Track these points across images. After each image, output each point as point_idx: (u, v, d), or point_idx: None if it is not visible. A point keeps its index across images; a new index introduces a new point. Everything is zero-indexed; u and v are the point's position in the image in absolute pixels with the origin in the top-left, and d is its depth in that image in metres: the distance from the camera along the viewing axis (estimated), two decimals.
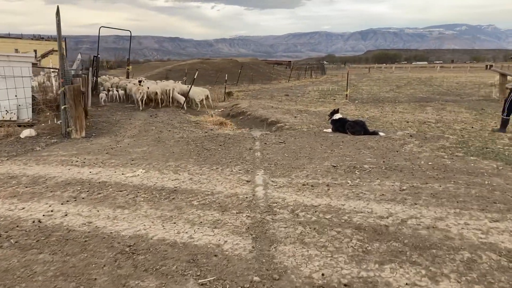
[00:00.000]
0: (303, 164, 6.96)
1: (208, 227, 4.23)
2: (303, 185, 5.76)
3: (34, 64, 26.32)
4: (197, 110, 17.80)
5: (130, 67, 26.04)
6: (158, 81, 21.41)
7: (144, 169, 6.62)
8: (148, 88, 17.19)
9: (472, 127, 11.53)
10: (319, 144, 8.78)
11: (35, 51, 71.17)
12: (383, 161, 7.18)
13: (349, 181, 5.93)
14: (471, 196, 5.27)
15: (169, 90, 17.57)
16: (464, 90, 26.28)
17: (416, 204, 4.96)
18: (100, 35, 22.26)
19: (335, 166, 6.79)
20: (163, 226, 4.28)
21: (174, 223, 4.36)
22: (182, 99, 17.53)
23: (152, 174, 6.37)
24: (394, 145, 8.67)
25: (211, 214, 4.61)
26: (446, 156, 7.59)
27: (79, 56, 17.79)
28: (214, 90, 24.35)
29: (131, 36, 24.19)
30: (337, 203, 5.02)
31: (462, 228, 4.21)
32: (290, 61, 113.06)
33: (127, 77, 23.36)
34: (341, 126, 10.34)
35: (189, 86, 18.64)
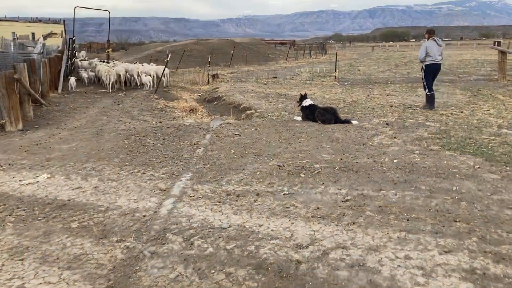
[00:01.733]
0: (245, 164, 5.88)
1: (60, 267, 3.20)
2: (228, 194, 4.70)
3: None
4: (170, 92, 16.70)
5: (110, 49, 24.87)
6: (127, 63, 20.21)
7: (50, 173, 5.58)
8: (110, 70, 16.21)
9: (462, 112, 10.36)
10: (278, 136, 7.69)
11: (33, 33, 70.19)
12: (341, 159, 6.08)
13: (285, 188, 4.86)
14: (429, 210, 4.17)
15: (134, 72, 16.58)
16: (465, 69, 24.86)
17: (354, 223, 3.88)
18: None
19: (280, 166, 5.71)
20: (1, 265, 3.25)
21: (21, 260, 3.32)
22: (148, 80, 16.48)
23: (55, 180, 5.33)
24: (363, 137, 7.55)
25: (80, 245, 3.57)
26: (417, 151, 6.46)
27: (41, 39, 16.65)
28: (200, 72, 23.18)
29: (109, 17, 22.95)
30: (255, 222, 3.95)
31: (399, 266, 3.14)
32: (294, 41, 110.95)
33: (108, 60, 22.21)
34: (311, 113, 9.21)
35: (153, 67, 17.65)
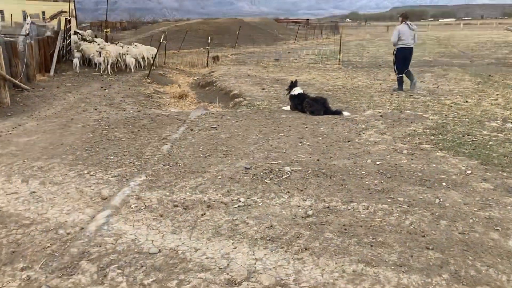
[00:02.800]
0: (209, 165, 5.28)
1: None
2: (175, 205, 4.11)
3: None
4: (165, 76, 16.08)
5: (109, 29, 24.19)
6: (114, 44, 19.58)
7: None
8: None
9: (467, 101, 9.58)
10: (258, 130, 7.05)
11: (43, 12, 69.83)
12: (318, 160, 5.44)
13: (242, 199, 4.25)
14: (401, 231, 3.54)
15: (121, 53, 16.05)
16: (479, 52, 23.73)
17: (306, 249, 3.28)
18: None
19: (247, 169, 5.10)
20: None
21: None
22: (131, 62, 15.92)
23: None
24: (351, 132, 6.88)
25: None
26: (406, 151, 5.78)
27: (28, 19, 16.07)
28: (201, 54, 22.47)
29: None
30: (191, 246, 3.37)
31: None
32: (308, 20, 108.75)
33: (106, 41, 21.58)
34: (300, 103, 8.54)
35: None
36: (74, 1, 73.97)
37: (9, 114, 8.95)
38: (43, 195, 4.43)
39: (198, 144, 6.20)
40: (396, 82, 11.41)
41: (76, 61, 16.89)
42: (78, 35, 24.68)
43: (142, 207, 4.08)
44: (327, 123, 7.43)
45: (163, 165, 5.32)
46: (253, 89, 11.49)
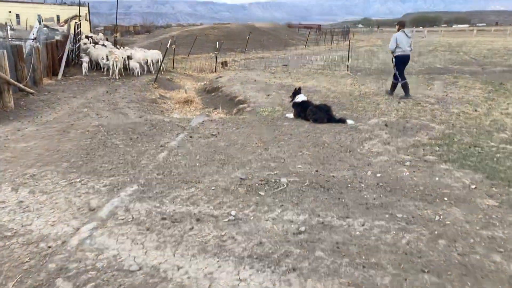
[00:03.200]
0: (204, 175, 5.14)
1: None
2: (163, 218, 3.97)
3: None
4: (173, 81, 16.02)
5: (118, 34, 24.22)
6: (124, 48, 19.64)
7: None
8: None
9: (476, 110, 9.32)
10: (259, 138, 6.89)
11: (58, 16, 70.54)
12: (316, 171, 5.26)
13: (234, 212, 4.09)
14: (396, 251, 3.36)
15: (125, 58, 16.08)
16: (491, 59, 23.32)
17: (294, 270, 3.11)
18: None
19: (243, 180, 4.94)
20: None
21: None
22: (135, 66, 15.90)
23: None
24: (353, 141, 6.68)
25: None
26: (408, 162, 5.58)
27: (36, 24, 16.12)
28: (210, 59, 22.39)
29: (117, 0, 22.32)
30: (174, 263, 3.22)
31: None
32: (320, 25, 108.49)
33: (115, 45, 21.63)
34: (303, 111, 8.37)
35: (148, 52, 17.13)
36: (88, 6, 74.82)
37: (11, 118, 8.90)
38: (30, 205, 4.32)
39: (195, 152, 6.06)
40: (403, 90, 11.32)
41: (85, 64, 16.93)
42: (90, 38, 24.88)
43: (129, 220, 3.94)
44: (330, 132, 7.24)
45: (157, 174, 5.18)
46: (258, 95, 11.34)
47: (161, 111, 10.40)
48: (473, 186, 4.72)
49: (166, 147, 6.32)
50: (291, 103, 8.71)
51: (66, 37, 18.70)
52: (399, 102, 10.39)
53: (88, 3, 75.51)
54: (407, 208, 4.15)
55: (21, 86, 10.69)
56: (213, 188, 4.71)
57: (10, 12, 63.00)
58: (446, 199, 4.37)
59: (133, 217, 3.99)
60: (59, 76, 15.72)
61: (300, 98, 8.50)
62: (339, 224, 3.83)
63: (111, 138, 6.83)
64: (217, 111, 10.64)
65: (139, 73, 16.23)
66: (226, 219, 3.94)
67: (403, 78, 11.27)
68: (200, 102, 12.26)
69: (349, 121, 7.97)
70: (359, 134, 7.13)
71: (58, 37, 18.54)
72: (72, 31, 18.71)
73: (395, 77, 11.45)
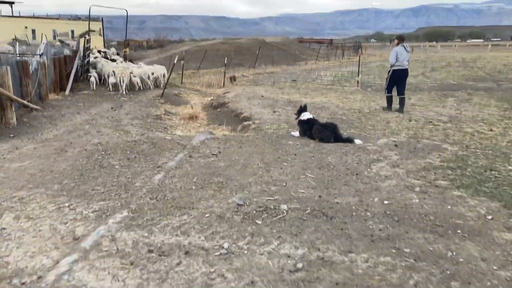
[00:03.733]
0: (199, 200, 4.84)
1: None
2: (150, 251, 3.67)
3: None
4: (180, 96, 15.84)
5: (127, 49, 24.26)
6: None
7: None
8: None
9: (491, 130, 8.94)
10: (261, 158, 6.59)
11: (72, 31, 71.64)
12: (320, 196, 4.93)
13: (226, 244, 3.78)
14: None
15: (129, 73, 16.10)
16: (507, 74, 22.87)
17: None
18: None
19: (240, 205, 4.63)
20: None
21: None
22: (136, 81, 16.05)
23: None
24: (360, 163, 6.34)
25: None
26: (418, 188, 5.22)
27: (44, 40, 16.11)
28: (219, 74, 22.23)
29: (127, 15, 22.32)
30: None
31: None
32: (331, 40, 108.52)
33: (124, 60, 21.60)
34: (309, 129, 8.06)
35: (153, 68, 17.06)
36: (102, 21, 75.87)
37: (11, 135, 8.72)
38: (12, 233, 4.05)
39: (193, 174, 5.77)
40: (387, 102, 11.73)
41: (93, 79, 16.92)
42: (102, 53, 25.04)
43: (113, 251, 3.64)
44: (336, 152, 6.92)
45: (150, 198, 4.89)
46: (264, 111, 11.07)
47: (165, 127, 10.17)
48: (489, 217, 4.34)
49: (163, 168, 6.05)
50: (297, 121, 8.41)
51: (75, 52, 18.69)
52: (410, 120, 10.04)
53: (102, 18, 76.61)
54: (416, 241, 3.79)
55: (25, 102, 10.56)
56: (207, 215, 4.40)
57: (26, 27, 64.08)
58: (459, 231, 4.01)
59: (118, 249, 3.69)
60: (67, 92, 15.67)
61: (305, 115, 8.21)
62: (341, 260, 3.49)
63: (108, 158, 6.58)
64: (222, 128, 10.39)
65: (141, 88, 16.20)
66: (218, 253, 3.62)
67: (390, 91, 11.59)
68: (205, 118, 12.02)
69: (357, 141, 7.63)
70: (367, 155, 6.79)
71: (68, 52, 18.58)
72: (81, 46, 18.70)
73: (388, 90, 11.69)
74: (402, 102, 11.44)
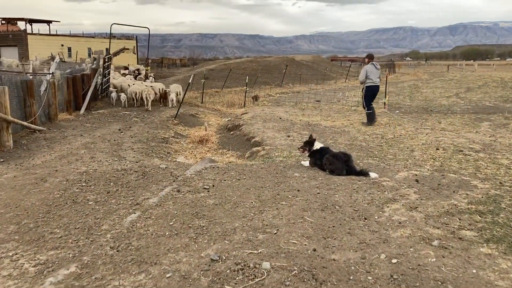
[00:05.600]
0: (167, 251, 4.05)
1: None
2: None
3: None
4: (197, 116, 15.24)
5: (149, 68, 24.00)
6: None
7: None
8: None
9: None
10: (258, 194, 5.77)
11: (107, 49, 73.55)
12: (314, 250, 4.06)
13: None
14: None
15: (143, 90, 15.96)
16: None
17: None
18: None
19: (214, 261, 3.81)
20: None
21: None
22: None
23: None
24: (372, 203, 5.42)
25: None
26: (437, 241, 4.27)
27: (56, 58, 15.87)
28: (243, 93, 21.59)
29: (149, 34, 22.09)
30: None
31: None
32: (364, 58, 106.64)
33: (146, 79, 21.30)
34: (320, 159, 7.21)
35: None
36: (136, 39, 77.42)
37: (1, 160, 8.21)
38: None
39: (173, 215, 5.00)
40: (367, 118, 12.40)
41: (114, 94, 17.09)
42: (135, 70, 25.23)
43: None
44: (346, 189, 6.02)
45: (111, 247, 4.14)
46: (278, 136, 10.26)
47: (168, 153, 9.49)
48: None
49: (142, 206, 5.31)
50: (300, 150, 7.59)
51: (94, 70, 18.48)
52: (437, 148, 9.01)
53: (136, 37, 78.18)
54: None
55: (25, 124, 10.13)
56: (169, 274, 3.60)
57: (62, 45, 66.02)
58: None
59: None
60: (82, 111, 15.32)
61: (317, 145, 7.35)
62: None
63: (86, 191, 5.90)
64: (230, 154, 9.65)
65: (136, 104, 16.65)
66: None
67: (369, 108, 12.25)
68: (216, 142, 11.30)
69: (372, 174, 6.70)
70: (381, 193, 5.86)
71: (88, 71, 18.44)
72: (95, 64, 18.50)
73: (367, 107, 12.33)
74: (367, 115, 12.42)
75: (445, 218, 4.92)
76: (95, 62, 19.81)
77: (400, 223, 4.78)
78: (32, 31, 64.66)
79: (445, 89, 26.31)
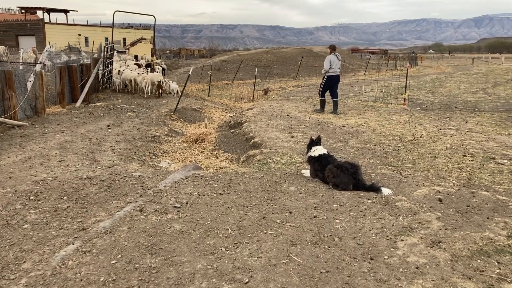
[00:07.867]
0: None
1: None
2: None
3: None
4: (200, 111, 14.09)
5: (155, 58, 22.89)
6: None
7: None
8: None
9: None
10: (239, 216, 4.60)
11: (124, 39, 72.92)
12: None
13: None
14: None
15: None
16: None
17: None
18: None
19: None
20: None
21: None
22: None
23: None
24: (383, 234, 4.20)
25: None
26: None
27: (48, 47, 14.86)
28: (253, 85, 20.37)
29: (155, 22, 20.99)
30: None
31: None
32: (386, 50, 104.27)
33: (152, 70, 20.25)
34: (321, 169, 5.97)
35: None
36: (154, 29, 76.64)
37: None
38: None
39: (121, 248, 3.87)
40: (319, 105, 13.18)
41: (117, 80, 16.71)
42: (149, 61, 24.49)
43: None
44: (351, 210, 4.81)
45: None
46: (280, 136, 9.05)
47: (154, 154, 8.37)
48: None
49: (87, 233, 4.18)
50: (306, 157, 6.35)
51: (95, 60, 17.47)
52: (464, 155, 7.68)
53: (154, 26, 77.45)
54: None
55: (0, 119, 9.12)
56: None
57: (79, 35, 65.71)
58: None
59: None
60: (77, 104, 14.32)
61: (317, 150, 6.12)
62: None
63: (30, 208, 4.81)
64: (224, 156, 8.49)
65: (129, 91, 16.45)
66: None
67: (323, 95, 12.94)
68: (213, 142, 10.14)
69: (385, 191, 5.46)
70: (395, 218, 4.63)
71: (86, 61, 17.52)
72: (97, 54, 17.53)
73: (321, 94, 12.93)
74: (335, 104, 12.78)
75: (479, 261, 3.68)
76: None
77: (417, 268, 3.56)
78: (50, 21, 64.42)
79: (471, 84, 24.61)
